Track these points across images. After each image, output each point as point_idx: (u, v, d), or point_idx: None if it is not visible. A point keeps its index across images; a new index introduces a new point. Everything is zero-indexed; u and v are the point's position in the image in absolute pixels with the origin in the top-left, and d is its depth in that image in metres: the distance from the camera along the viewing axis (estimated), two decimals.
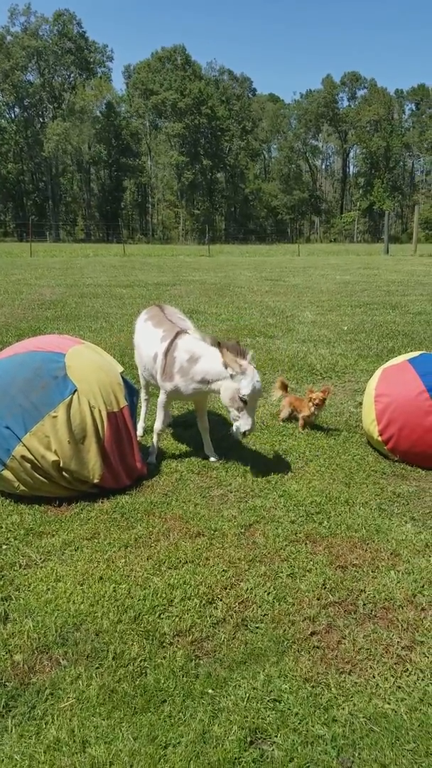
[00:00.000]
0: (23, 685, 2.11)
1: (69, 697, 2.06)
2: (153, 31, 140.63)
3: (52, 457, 3.40)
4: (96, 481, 3.55)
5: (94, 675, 2.16)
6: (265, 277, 19.20)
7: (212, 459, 4.27)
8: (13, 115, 75.49)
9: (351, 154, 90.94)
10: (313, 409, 4.75)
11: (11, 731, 1.92)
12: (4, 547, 3.02)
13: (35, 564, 2.88)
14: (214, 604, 2.60)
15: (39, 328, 8.79)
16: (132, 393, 4.04)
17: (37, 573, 2.80)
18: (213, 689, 2.12)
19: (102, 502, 3.53)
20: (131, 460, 3.80)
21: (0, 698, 2.04)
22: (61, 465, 3.42)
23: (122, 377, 3.98)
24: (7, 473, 3.46)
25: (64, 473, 3.46)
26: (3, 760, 1.81)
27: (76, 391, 3.51)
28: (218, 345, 3.81)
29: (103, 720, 1.97)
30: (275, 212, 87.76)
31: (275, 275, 20.22)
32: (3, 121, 74.83)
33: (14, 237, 67.58)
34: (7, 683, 2.12)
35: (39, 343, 3.91)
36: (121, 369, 4.06)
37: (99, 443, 3.54)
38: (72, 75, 75.98)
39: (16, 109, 75.16)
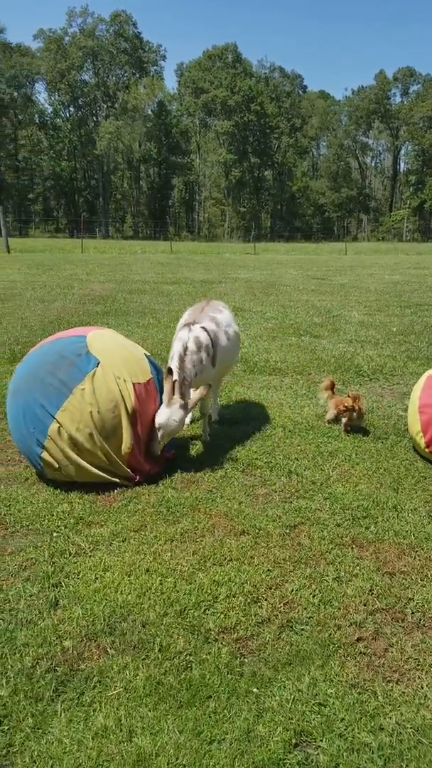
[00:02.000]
0: (72, 671, 2.16)
1: (116, 686, 2.09)
2: (206, 29, 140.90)
3: (85, 430, 3.48)
4: (127, 450, 3.61)
5: (140, 666, 2.19)
6: (312, 276, 19.02)
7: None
8: (68, 114, 76.98)
9: (402, 151, 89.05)
10: (341, 416, 4.75)
11: (60, 715, 1.97)
12: (54, 534, 3.09)
13: (84, 552, 2.94)
14: (259, 603, 2.60)
15: (89, 322, 8.94)
16: (158, 371, 4.15)
17: (86, 561, 2.85)
18: (258, 688, 2.12)
19: (149, 496, 3.57)
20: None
21: (50, 683, 2.09)
22: (93, 436, 3.49)
23: (146, 356, 4.10)
24: (46, 455, 3.55)
25: (98, 448, 3.53)
26: (53, 742, 1.86)
27: (99, 363, 3.63)
28: (168, 371, 3.88)
29: (150, 711, 1.99)
30: (322, 210, 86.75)
31: (321, 274, 20.01)
32: (58, 120, 76.40)
33: (65, 233, 68.98)
34: (57, 668, 2.17)
35: (62, 333, 4.08)
36: (144, 352, 4.17)
37: (127, 412, 3.61)
38: (126, 74, 76.89)
39: (71, 108, 76.61)
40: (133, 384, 3.71)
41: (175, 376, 3.87)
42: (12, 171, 73.22)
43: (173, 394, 3.85)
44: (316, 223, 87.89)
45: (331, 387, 5.11)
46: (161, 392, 4.02)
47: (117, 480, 3.68)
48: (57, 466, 3.57)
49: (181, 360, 3.95)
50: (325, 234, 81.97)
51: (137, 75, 77.45)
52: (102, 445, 3.56)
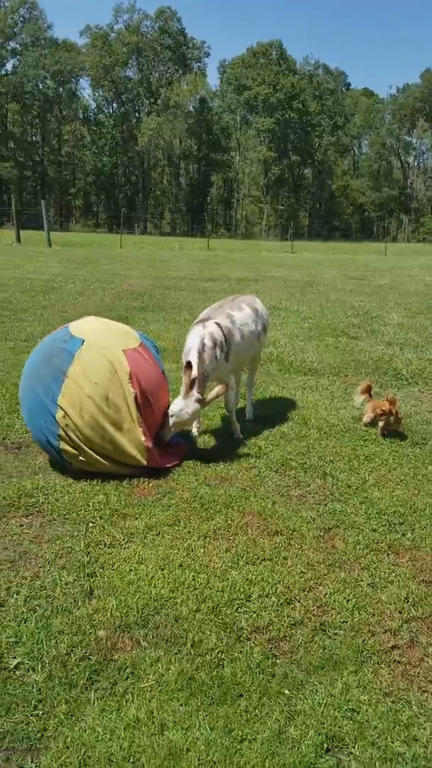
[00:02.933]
0: (106, 661, 2.18)
1: (149, 679, 2.10)
2: (251, 26, 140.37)
3: (86, 416, 3.52)
4: (132, 394, 3.62)
5: (173, 660, 2.20)
6: (350, 276, 18.80)
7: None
8: (111, 110, 77.74)
9: None
10: (378, 419, 4.68)
11: (93, 704, 1.99)
12: (90, 524, 3.13)
13: (119, 544, 2.97)
14: (292, 605, 2.58)
15: (126, 317, 9.02)
16: (155, 348, 4.27)
17: (121, 553, 2.88)
18: (289, 690, 2.11)
19: (182, 491, 3.59)
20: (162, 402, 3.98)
21: (84, 671, 2.12)
22: (98, 403, 3.53)
23: (136, 332, 4.21)
24: (64, 446, 3.60)
25: (106, 421, 3.55)
26: (86, 730, 1.88)
27: (83, 342, 3.73)
28: (187, 365, 3.95)
29: (181, 706, 2.00)
30: (362, 209, 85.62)
31: (360, 274, 19.75)
32: (101, 115, 77.21)
33: (104, 228, 69.76)
34: (91, 657, 2.19)
35: (53, 331, 4.23)
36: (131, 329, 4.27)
37: (126, 374, 3.66)
38: (169, 71, 77.22)
39: (114, 104, 77.36)
40: (123, 351, 3.78)
41: (195, 371, 3.92)
42: (55, 166, 74.39)
43: (191, 388, 3.90)
44: (355, 223, 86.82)
45: (369, 390, 5.04)
46: (160, 364, 4.15)
47: (125, 471, 3.70)
48: (76, 452, 3.62)
49: (200, 355, 4.00)
50: (363, 234, 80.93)
51: (180, 71, 77.69)
52: (107, 430, 3.57)
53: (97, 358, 3.66)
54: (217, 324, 4.21)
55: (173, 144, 75.30)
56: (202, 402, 3.95)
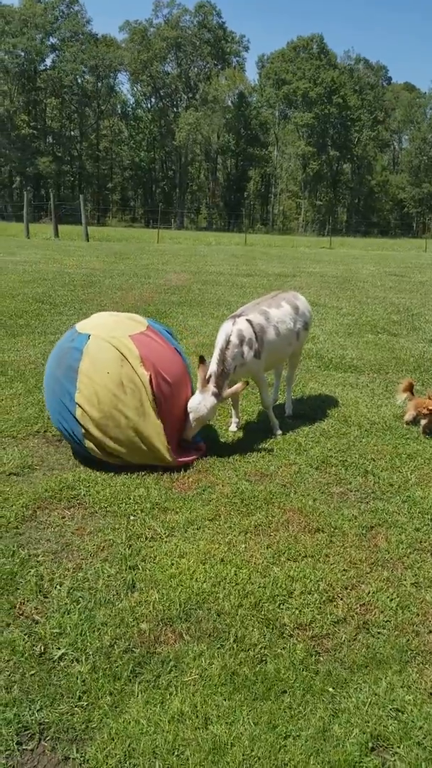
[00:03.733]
0: (149, 654, 2.19)
1: (192, 673, 2.11)
2: (291, 21, 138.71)
3: (105, 397, 3.55)
4: (146, 376, 3.62)
5: (216, 654, 2.20)
6: (389, 273, 18.48)
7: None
8: (149, 105, 78.11)
9: None
10: (420, 418, 4.58)
11: (137, 696, 2.01)
12: (131, 518, 3.16)
13: (160, 538, 2.98)
14: (335, 603, 2.55)
15: (165, 311, 9.07)
16: (169, 333, 4.29)
17: (162, 547, 2.89)
18: (333, 688, 2.09)
19: (222, 486, 3.58)
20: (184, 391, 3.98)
21: (128, 663, 2.14)
22: (114, 391, 3.56)
23: (150, 320, 4.25)
24: (88, 443, 3.66)
25: (126, 407, 3.57)
26: (130, 722, 1.90)
27: (89, 336, 3.77)
28: (200, 360, 3.98)
29: (225, 700, 2.00)
30: (401, 205, 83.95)
31: (400, 271, 19.40)
32: (140, 110, 77.63)
33: (141, 223, 70.25)
34: (134, 649, 2.21)
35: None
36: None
37: (137, 359, 3.67)
38: (207, 65, 77.06)
39: (152, 99, 77.67)
40: (130, 336, 3.80)
41: (213, 367, 3.97)
42: (92, 160, 75.18)
43: (207, 383, 3.92)
44: (394, 219, 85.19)
45: (410, 388, 4.94)
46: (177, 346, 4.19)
47: (151, 460, 3.72)
48: (101, 448, 3.65)
49: (222, 353, 4.02)
50: (402, 230, 79.37)
51: (219, 66, 77.46)
52: (129, 417, 3.59)
53: (105, 348, 3.69)
54: (248, 321, 4.20)
55: (211, 139, 75.15)
56: (218, 396, 3.96)
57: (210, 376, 3.97)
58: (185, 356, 4.30)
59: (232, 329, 4.11)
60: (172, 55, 75.29)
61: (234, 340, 4.08)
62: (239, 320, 4.19)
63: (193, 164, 79.29)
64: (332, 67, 77.45)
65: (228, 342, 4.06)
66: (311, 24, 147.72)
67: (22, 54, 66.85)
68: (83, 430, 3.62)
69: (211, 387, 3.95)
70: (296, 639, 2.32)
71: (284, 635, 2.33)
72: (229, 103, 76.38)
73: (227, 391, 4.05)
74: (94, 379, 3.60)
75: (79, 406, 3.59)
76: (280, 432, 4.50)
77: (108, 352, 3.68)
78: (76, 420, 3.61)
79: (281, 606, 2.50)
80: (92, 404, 3.57)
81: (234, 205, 76.19)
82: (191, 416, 3.93)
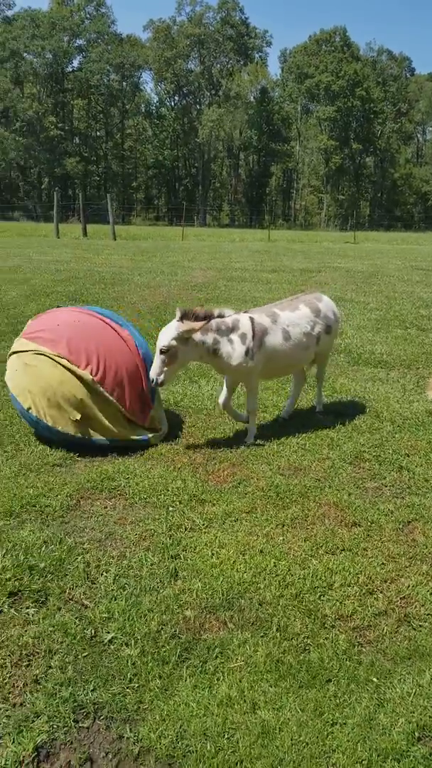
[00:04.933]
0: (195, 640, 2.25)
1: (238, 659, 2.16)
2: (313, 14, 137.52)
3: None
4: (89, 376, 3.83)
5: (260, 642, 2.24)
6: (416, 267, 18.26)
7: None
8: (172, 103, 78.23)
9: None
10: None
11: (186, 680, 2.06)
12: (170, 509, 3.22)
13: (199, 529, 3.04)
14: (375, 596, 2.57)
15: None
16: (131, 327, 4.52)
17: (202, 537, 2.94)
18: (377, 678, 2.11)
19: (257, 480, 3.62)
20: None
21: (175, 648, 2.19)
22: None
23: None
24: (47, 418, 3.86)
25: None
26: (180, 705, 1.95)
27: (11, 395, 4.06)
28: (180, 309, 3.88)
29: (271, 687, 2.04)
30: (425, 198, 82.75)
31: (426, 264, 19.15)
32: (163, 108, 77.81)
33: (164, 221, 70.47)
34: (180, 635, 2.27)
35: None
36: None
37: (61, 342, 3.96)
38: (230, 61, 76.87)
39: (176, 97, 77.77)
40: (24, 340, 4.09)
41: (196, 318, 3.84)
42: (118, 160, 75.63)
43: (181, 319, 3.81)
44: (418, 212, 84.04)
45: None
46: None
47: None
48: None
49: (209, 316, 3.91)
50: (426, 224, 78.25)
51: (242, 62, 77.20)
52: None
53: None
54: (251, 318, 4.07)
55: (233, 135, 75.00)
56: (180, 322, 3.79)
57: (183, 314, 3.84)
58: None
59: (231, 318, 4.01)
60: (195, 52, 75.26)
61: (228, 322, 3.98)
62: (242, 315, 4.09)
63: (215, 161, 79.21)
64: (355, 59, 76.62)
65: (215, 322, 3.93)
66: (333, 16, 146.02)
67: (51, 56, 67.58)
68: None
69: (185, 321, 3.81)
70: (338, 630, 2.35)
71: (326, 626, 2.37)
72: (252, 99, 76.09)
73: (187, 326, 3.79)
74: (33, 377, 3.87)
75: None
76: (252, 441, 4.23)
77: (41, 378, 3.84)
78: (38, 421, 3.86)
79: (322, 597, 2.53)
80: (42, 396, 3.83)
81: (256, 201, 75.96)
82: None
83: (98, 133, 76.36)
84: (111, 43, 70.64)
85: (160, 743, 1.82)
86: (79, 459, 3.85)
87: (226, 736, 1.84)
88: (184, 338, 3.82)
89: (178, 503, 3.28)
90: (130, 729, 1.88)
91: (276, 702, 1.98)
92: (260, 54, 79.91)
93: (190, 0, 74.50)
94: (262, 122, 75.46)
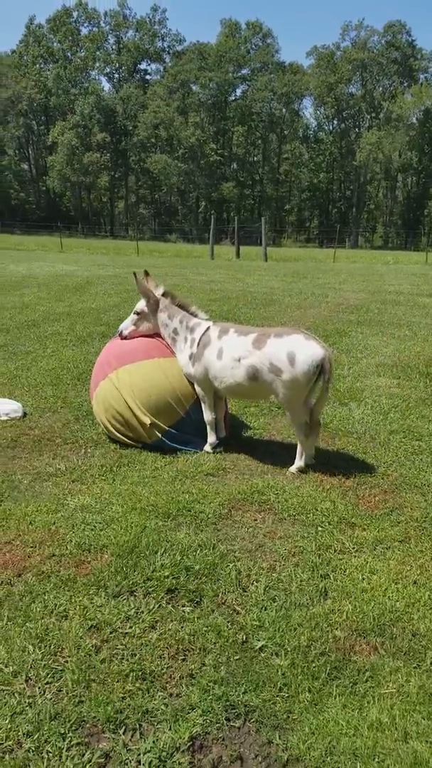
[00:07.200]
0: (345, 660, 2.25)
1: (389, 686, 2.12)
2: None
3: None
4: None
5: (412, 673, 2.19)
6: None
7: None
8: (331, 127, 78.48)
9: None
10: None
11: (335, 698, 2.07)
12: (319, 529, 3.24)
13: (349, 552, 3.02)
14: None
15: (343, 330, 9.06)
16: None
17: (351, 561, 2.93)
18: None
19: (411, 510, 3.51)
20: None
21: (325, 665, 2.21)
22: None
23: None
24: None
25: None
26: (329, 721, 1.97)
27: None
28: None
29: (423, 719, 1.98)
30: None
31: None
32: (321, 132, 78.35)
33: (315, 243, 70.55)
34: (329, 654, 2.28)
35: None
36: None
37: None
38: (393, 84, 75.38)
39: (335, 121, 77.90)
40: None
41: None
42: (273, 184, 77.35)
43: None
44: None
45: None
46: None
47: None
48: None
49: (183, 306, 4.29)
50: None
51: (405, 83, 75.33)
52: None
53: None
54: (207, 328, 4.14)
55: (392, 157, 73.12)
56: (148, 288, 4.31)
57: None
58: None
59: (196, 319, 4.23)
60: (357, 76, 74.89)
61: (191, 322, 4.20)
62: (205, 322, 4.20)
63: (371, 183, 77.78)
64: None
65: (195, 316, 4.26)
66: None
67: (215, 86, 71.47)
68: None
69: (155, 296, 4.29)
70: None
71: None
72: (414, 120, 73.75)
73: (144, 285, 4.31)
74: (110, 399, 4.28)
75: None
76: (209, 450, 4.25)
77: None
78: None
79: None
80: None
81: (413, 223, 73.16)
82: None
83: (255, 158, 78.74)
84: (274, 72, 72.80)
85: (309, 755, 1.85)
86: (230, 470, 4.02)
87: (376, 760, 1.82)
88: (153, 308, 4.30)
89: (327, 524, 3.29)
90: (279, 736, 1.93)
91: (429, 734, 1.92)
92: (426, 75, 77.34)
93: (356, 25, 74.48)
94: (425, 144, 72.76)
